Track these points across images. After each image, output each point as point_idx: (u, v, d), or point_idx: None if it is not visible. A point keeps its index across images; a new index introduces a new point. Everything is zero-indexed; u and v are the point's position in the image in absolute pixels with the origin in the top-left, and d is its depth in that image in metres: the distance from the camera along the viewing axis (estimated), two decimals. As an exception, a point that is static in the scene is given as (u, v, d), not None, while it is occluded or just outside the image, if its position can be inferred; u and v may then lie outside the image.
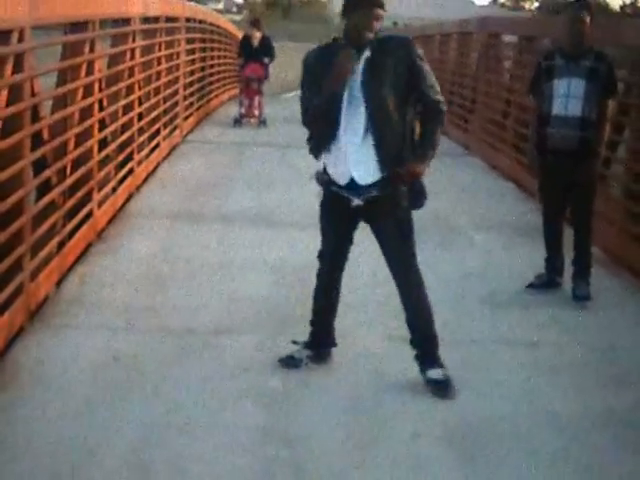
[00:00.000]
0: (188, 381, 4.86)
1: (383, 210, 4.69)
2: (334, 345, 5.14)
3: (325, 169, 4.75)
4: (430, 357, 4.87)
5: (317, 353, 5.08)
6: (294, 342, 5.11)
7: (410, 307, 4.87)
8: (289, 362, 5.03)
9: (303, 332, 5.13)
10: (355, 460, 4.14)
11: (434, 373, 4.82)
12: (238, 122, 15.62)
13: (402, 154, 4.62)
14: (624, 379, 5.20)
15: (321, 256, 5.01)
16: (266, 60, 15.47)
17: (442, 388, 4.78)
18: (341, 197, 4.70)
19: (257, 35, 15.51)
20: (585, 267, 6.47)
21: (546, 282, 6.64)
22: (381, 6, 4.56)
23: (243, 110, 15.76)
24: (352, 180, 4.64)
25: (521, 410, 4.71)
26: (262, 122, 15.71)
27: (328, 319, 5.09)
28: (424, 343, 4.88)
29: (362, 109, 4.55)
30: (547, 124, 6.37)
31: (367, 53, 4.56)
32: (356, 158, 4.60)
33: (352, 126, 4.56)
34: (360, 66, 4.55)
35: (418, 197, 4.70)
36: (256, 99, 15.73)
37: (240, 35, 17.44)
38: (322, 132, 4.65)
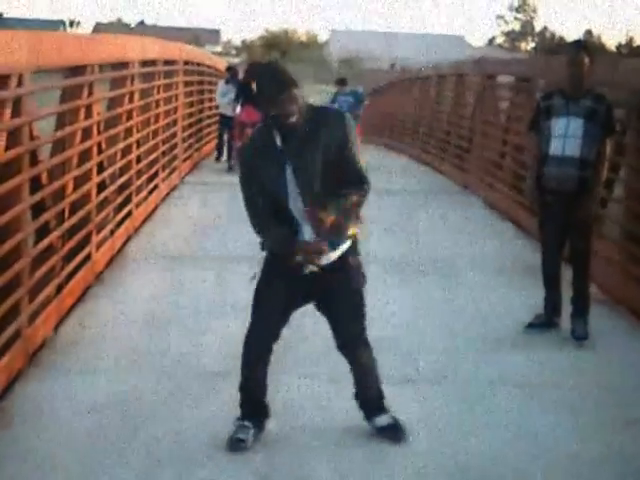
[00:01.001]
0: (188, 424, 4.84)
1: (338, 276, 4.50)
2: (268, 415, 4.75)
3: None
4: (377, 406, 4.80)
5: (259, 427, 4.68)
6: (241, 424, 4.65)
7: (362, 374, 4.75)
8: (238, 446, 4.56)
9: (303, 373, 5.13)
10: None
11: (382, 420, 4.75)
12: (232, 169, 14.41)
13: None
14: (623, 419, 5.17)
15: (250, 338, 4.64)
16: None
17: (394, 432, 4.72)
18: (291, 267, 4.39)
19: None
20: (583, 306, 6.47)
21: (545, 322, 6.63)
22: (295, 86, 4.20)
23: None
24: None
25: (520, 451, 4.69)
26: None
27: (262, 398, 4.72)
28: (370, 398, 4.80)
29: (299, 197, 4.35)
30: (545, 164, 6.40)
31: (296, 137, 4.28)
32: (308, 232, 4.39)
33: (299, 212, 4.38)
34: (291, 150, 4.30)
35: (357, 276, 4.62)
36: None
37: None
38: (277, 233, 4.44)
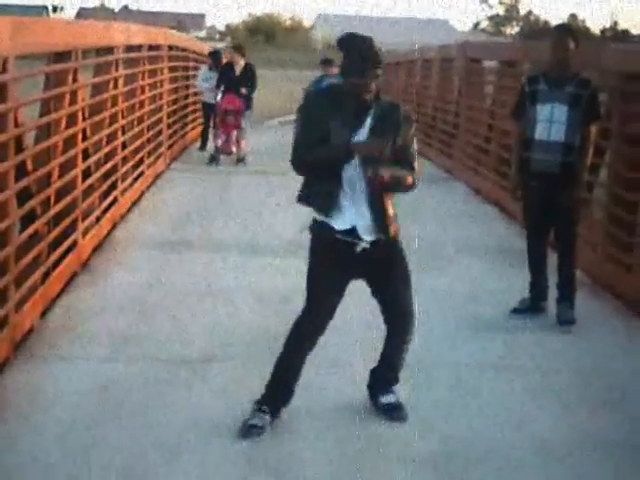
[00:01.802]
0: (175, 410, 4.85)
1: (387, 253, 4.61)
2: (291, 401, 4.75)
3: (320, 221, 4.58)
4: (389, 385, 4.91)
5: (276, 415, 4.67)
6: (259, 408, 4.63)
7: (398, 345, 4.85)
8: (252, 433, 4.55)
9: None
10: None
11: (389, 398, 4.86)
12: (215, 159, 14.13)
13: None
14: (610, 401, 5.22)
15: (308, 314, 4.64)
16: (244, 90, 13.97)
17: (398, 411, 4.83)
18: (342, 243, 4.51)
19: (240, 62, 14.18)
20: (569, 291, 6.50)
21: (530, 306, 6.66)
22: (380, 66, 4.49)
23: (219, 143, 14.23)
24: (354, 229, 4.52)
25: (507, 434, 4.72)
26: (240, 160, 14.14)
27: (293, 387, 4.72)
28: (389, 379, 4.91)
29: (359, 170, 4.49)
30: (530, 149, 6.41)
31: (370, 116, 4.52)
32: (357, 213, 4.51)
33: (352, 184, 4.51)
34: (367, 127, 4.52)
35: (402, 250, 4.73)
36: (234, 134, 14.22)
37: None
38: (323, 187, 4.51)
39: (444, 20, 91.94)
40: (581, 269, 7.14)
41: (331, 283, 4.63)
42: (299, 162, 4.56)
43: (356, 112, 4.51)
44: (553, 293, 6.58)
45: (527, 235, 6.76)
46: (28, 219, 6.13)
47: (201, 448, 4.44)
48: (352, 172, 4.49)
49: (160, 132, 12.81)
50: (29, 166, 6.16)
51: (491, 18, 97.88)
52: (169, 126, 13.90)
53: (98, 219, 8.30)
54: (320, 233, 4.59)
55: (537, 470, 4.37)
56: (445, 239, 9.12)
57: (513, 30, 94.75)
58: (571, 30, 6.62)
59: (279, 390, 4.69)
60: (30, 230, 6.08)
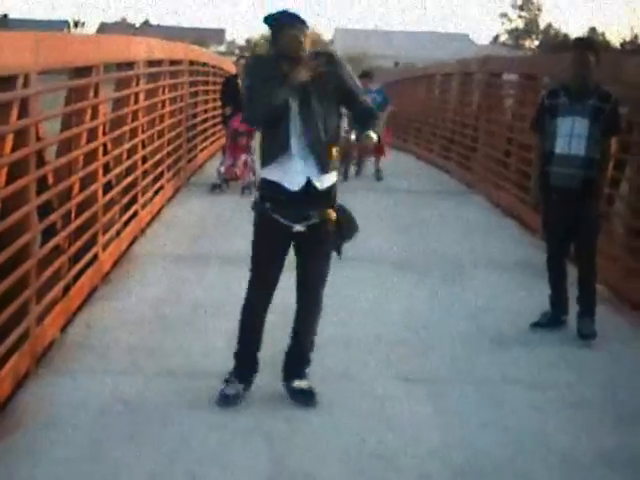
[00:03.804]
0: (194, 424, 4.85)
1: (317, 237, 4.98)
2: (257, 370, 5.22)
3: (265, 190, 5.02)
4: (300, 371, 5.19)
5: (248, 383, 5.17)
6: (230, 379, 5.15)
7: (304, 328, 5.20)
8: (227, 401, 5.07)
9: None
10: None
11: (300, 384, 5.15)
12: (217, 187, 12.59)
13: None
14: (631, 417, 5.18)
15: (253, 286, 5.15)
16: None
17: (307, 396, 5.10)
18: (281, 224, 4.94)
19: None
20: (590, 305, 6.47)
21: (551, 320, 6.63)
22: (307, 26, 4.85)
23: (223, 169, 12.62)
24: (308, 184, 4.89)
25: (528, 448, 4.70)
26: (246, 188, 12.22)
27: (257, 350, 5.20)
28: (300, 360, 5.22)
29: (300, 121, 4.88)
30: (550, 162, 6.39)
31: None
32: (307, 165, 4.88)
33: (298, 135, 4.88)
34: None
35: (351, 228, 5.08)
36: (242, 158, 12.45)
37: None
38: (273, 140, 4.91)
39: (463, 34, 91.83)
40: (602, 283, 7.11)
41: (271, 257, 5.12)
42: (252, 115, 5.01)
43: (290, 68, 4.82)
44: (574, 307, 6.55)
45: (547, 249, 6.73)
46: (49, 233, 6.16)
47: (220, 462, 4.44)
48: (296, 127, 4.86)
49: (180, 146, 12.85)
50: (50, 180, 6.20)
51: (511, 32, 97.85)
52: (189, 140, 13.94)
53: (118, 233, 8.32)
54: (261, 212, 5.04)
55: (558, 485, 4.35)
56: (465, 253, 9.10)
57: (533, 43, 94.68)
58: (591, 44, 6.60)
59: (245, 360, 5.16)
60: (51, 244, 6.10)
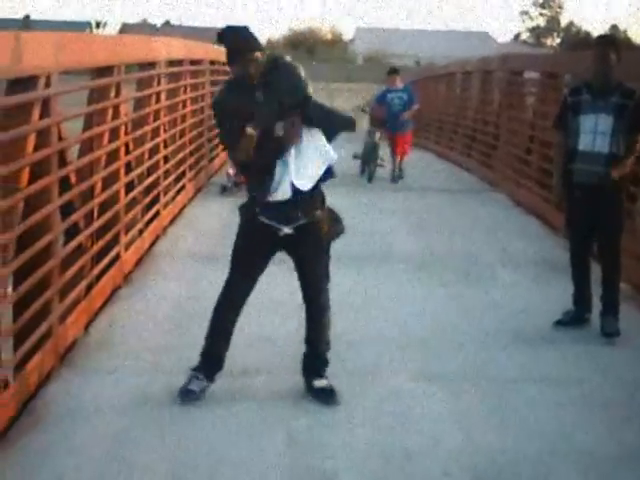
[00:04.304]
0: (216, 422, 4.86)
1: (308, 238, 5.01)
2: (223, 367, 5.26)
3: (253, 198, 5.05)
4: (319, 371, 5.22)
5: (211, 380, 5.20)
6: (195, 375, 5.16)
7: (316, 330, 5.20)
8: (192, 396, 5.10)
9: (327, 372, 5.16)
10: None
11: (321, 383, 5.18)
12: (226, 189, 12.33)
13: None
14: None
15: (229, 290, 5.18)
16: None
17: (328, 395, 5.13)
18: (268, 227, 4.97)
19: None
20: (613, 303, 6.43)
21: (574, 318, 6.60)
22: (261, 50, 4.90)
23: (232, 172, 12.07)
24: (294, 191, 4.89)
25: (551, 448, 4.67)
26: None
27: (226, 349, 5.24)
28: (318, 361, 5.23)
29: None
30: (573, 160, 6.36)
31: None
32: (294, 169, 4.88)
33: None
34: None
35: (337, 227, 5.10)
36: None
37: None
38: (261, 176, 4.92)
39: (484, 32, 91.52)
40: (625, 281, 7.07)
41: (252, 260, 5.17)
42: (234, 155, 5.00)
43: (250, 94, 4.83)
44: (597, 305, 6.52)
45: (570, 247, 6.70)
46: (72, 232, 6.19)
47: (242, 459, 4.44)
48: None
49: (202, 145, 12.88)
50: (72, 180, 6.22)
51: (532, 30, 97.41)
52: (210, 140, 13.95)
53: (141, 232, 8.35)
54: (248, 215, 5.10)
55: (582, 484, 4.32)
56: (486, 251, 9.07)
57: (554, 41, 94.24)
58: (613, 41, 6.56)
59: (212, 357, 5.20)
60: (74, 243, 6.13)
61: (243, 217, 5.17)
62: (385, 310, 6.89)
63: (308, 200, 4.95)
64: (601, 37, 6.84)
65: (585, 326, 6.57)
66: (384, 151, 14.11)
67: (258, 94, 4.84)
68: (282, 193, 4.90)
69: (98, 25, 71.02)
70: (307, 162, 4.91)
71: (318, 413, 4.99)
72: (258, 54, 4.85)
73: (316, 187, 4.99)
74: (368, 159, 13.85)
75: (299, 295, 5.22)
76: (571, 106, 6.43)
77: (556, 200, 6.92)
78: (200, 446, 4.58)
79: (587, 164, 6.27)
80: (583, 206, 6.37)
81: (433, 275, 8.03)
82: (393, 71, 14.28)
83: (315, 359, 5.23)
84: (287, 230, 4.97)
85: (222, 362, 5.24)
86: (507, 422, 4.97)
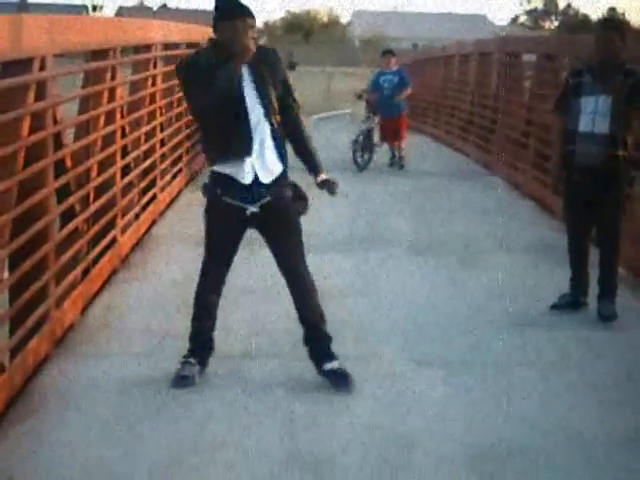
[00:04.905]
0: (214, 405, 4.86)
1: (276, 215, 4.98)
2: (214, 348, 5.25)
3: (216, 178, 4.99)
4: (326, 352, 5.10)
5: (203, 364, 5.18)
6: (187, 361, 5.15)
7: (305, 305, 5.11)
8: (185, 382, 5.06)
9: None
10: (382, 484, 4.12)
11: (331, 365, 5.07)
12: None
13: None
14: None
15: (206, 272, 5.19)
16: None
17: (340, 377, 5.04)
18: (234, 207, 4.91)
19: None
20: (611, 287, 6.42)
21: (571, 302, 6.59)
22: (252, 16, 4.74)
23: None
24: (255, 179, 4.87)
25: (546, 432, 4.67)
26: None
27: (211, 332, 5.22)
28: (319, 340, 5.12)
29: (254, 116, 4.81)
30: (573, 141, 6.32)
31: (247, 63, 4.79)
32: (259, 159, 4.86)
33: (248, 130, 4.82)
34: (246, 73, 4.80)
35: (302, 203, 5.07)
36: None
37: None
38: (223, 138, 4.83)
39: (482, 15, 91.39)
40: (622, 265, 7.06)
41: (224, 243, 5.17)
42: (198, 107, 4.90)
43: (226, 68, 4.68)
44: (594, 289, 6.51)
45: (568, 230, 6.68)
46: (68, 216, 6.17)
47: (240, 442, 4.44)
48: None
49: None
50: (68, 163, 6.20)
51: (530, 12, 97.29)
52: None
53: (137, 216, 8.33)
54: (212, 195, 5.04)
55: (575, 470, 4.32)
56: (484, 234, 9.06)
57: (552, 24, 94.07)
58: (617, 24, 6.50)
59: (200, 340, 5.19)
60: (70, 227, 6.11)
61: (207, 198, 5.12)
62: (382, 294, 6.88)
63: (272, 182, 4.93)
64: (605, 20, 6.78)
65: (582, 310, 6.57)
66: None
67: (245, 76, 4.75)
68: (242, 177, 4.87)
69: (95, 8, 70.78)
70: (270, 161, 4.92)
71: (317, 398, 4.98)
72: (255, 28, 4.73)
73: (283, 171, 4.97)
74: (361, 148, 13.54)
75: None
76: (572, 88, 6.39)
77: (554, 183, 6.89)
78: (199, 430, 4.57)
79: (587, 145, 6.22)
80: (582, 188, 6.33)
81: (429, 259, 8.01)
82: (387, 52, 14.10)
83: (316, 338, 5.11)
84: (253, 209, 4.92)
85: (212, 344, 5.22)
86: (504, 405, 4.96)
